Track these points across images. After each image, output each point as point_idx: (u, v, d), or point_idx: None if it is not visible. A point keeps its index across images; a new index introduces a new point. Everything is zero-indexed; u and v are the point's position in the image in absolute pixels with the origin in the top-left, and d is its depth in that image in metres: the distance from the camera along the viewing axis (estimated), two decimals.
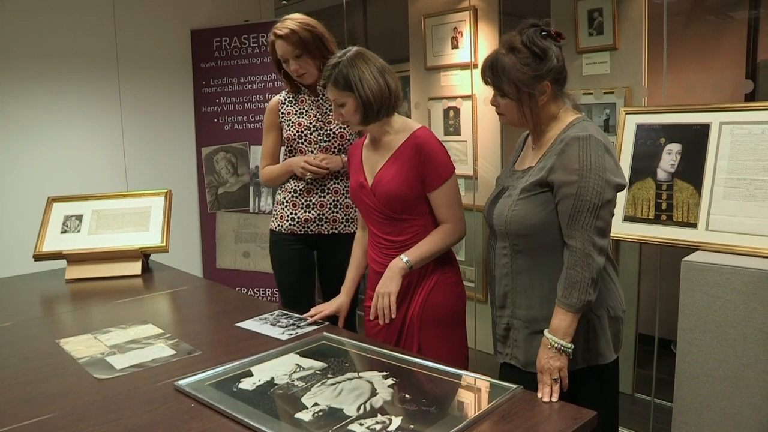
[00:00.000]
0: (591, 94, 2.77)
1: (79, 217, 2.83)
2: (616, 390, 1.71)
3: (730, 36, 3.12)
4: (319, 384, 1.45)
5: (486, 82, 1.65)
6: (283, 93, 2.40)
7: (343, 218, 2.35)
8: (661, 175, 2.24)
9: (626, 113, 2.37)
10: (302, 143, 2.32)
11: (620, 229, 2.30)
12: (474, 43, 3.34)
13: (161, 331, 1.91)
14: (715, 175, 2.10)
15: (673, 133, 2.23)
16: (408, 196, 1.82)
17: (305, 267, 2.41)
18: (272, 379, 1.49)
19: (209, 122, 3.99)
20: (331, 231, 2.34)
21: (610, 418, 1.66)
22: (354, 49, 1.86)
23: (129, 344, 1.80)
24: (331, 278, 2.39)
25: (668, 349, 3.00)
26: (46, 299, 2.43)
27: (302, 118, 2.33)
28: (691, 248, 2.11)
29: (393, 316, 1.82)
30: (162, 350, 1.74)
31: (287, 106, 2.37)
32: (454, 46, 3.44)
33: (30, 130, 3.40)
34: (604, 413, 1.51)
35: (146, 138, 3.78)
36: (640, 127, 2.32)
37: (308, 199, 2.32)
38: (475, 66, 3.32)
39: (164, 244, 2.74)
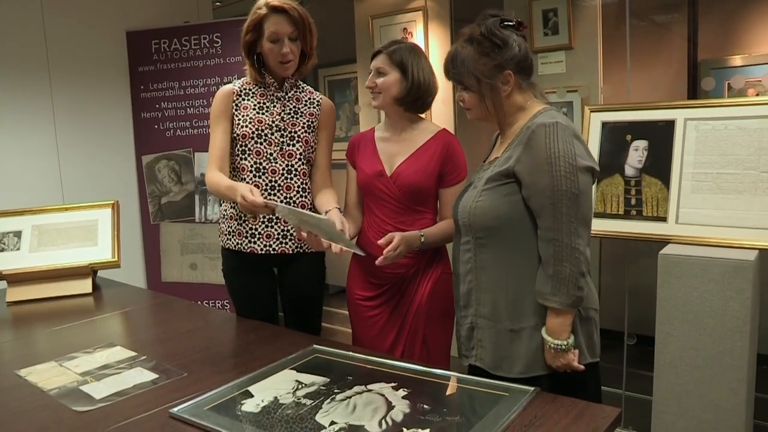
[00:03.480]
0: (554, 92, 2.81)
1: (18, 234, 2.60)
2: (595, 393, 1.60)
3: (671, 38, 3.27)
4: (329, 400, 1.37)
5: (448, 77, 1.63)
6: (238, 83, 2.09)
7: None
8: (629, 171, 2.30)
9: (591, 111, 2.42)
10: (260, 143, 2.02)
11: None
12: (425, 44, 3.32)
13: (134, 353, 1.76)
14: (683, 169, 2.17)
15: (639, 129, 2.29)
16: (429, 189, 1.95)
17: (269, 295, 2.14)
18: (276, 398, 1.40)
19: (149, 129, 3.77)
20: (296, 249, 2.05)
21: None
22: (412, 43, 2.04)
23: (102, 370, 1.64)
24: (296, 305, 2.16)
25: (621, 341, 3.10)
26: None
27: (263, 114, 2.03)
28: (662, 242, 2.17)
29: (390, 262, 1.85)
30: (141, 374, 1.60)
31: (243, 98, 2.06)
32: None
33: None
34: None
35: (82, 147, 3.52)
36: (605, 125, 2.37)
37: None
38: None
39: (116, 258, 2.56)
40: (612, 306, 2.95)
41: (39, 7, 3.34)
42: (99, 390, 1.51)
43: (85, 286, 2.47)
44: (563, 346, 1.44)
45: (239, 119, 2.04)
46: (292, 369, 1.57)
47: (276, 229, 2.02)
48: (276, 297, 2.17)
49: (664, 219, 2.19)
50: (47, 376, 1.62)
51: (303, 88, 2.13)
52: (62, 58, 3.43)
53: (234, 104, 2.05)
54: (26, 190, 3.26)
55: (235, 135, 2.04)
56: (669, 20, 3.36)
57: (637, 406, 2.72)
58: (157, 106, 3.74)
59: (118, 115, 3.69)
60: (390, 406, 1.32)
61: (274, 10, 1.92)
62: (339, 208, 1.97)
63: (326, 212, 1.95)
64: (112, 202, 2.73)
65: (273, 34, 1.93)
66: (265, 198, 1.95)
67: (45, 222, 2.65)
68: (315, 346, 1.72)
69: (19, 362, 1.73)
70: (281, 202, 2.02)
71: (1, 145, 3.23)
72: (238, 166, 2.05)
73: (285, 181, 2.03)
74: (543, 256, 1.46)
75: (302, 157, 2.05)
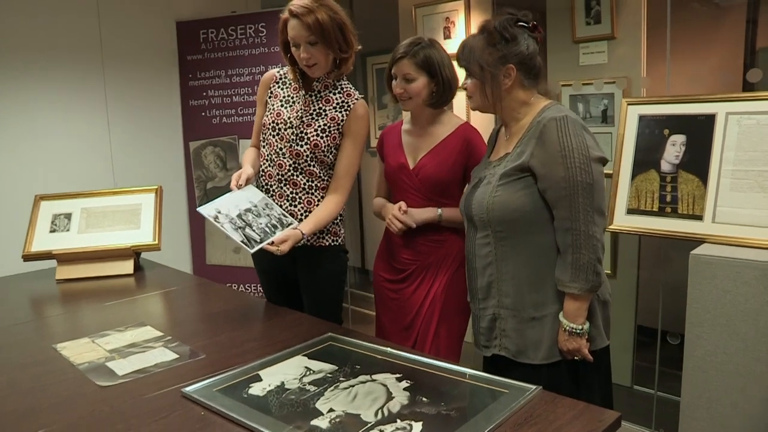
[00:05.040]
0: (591, 84, 2.74)
1: (68, 216, 2.74)
2: (608, 377, 1.73)
3: (728, 24, 3.11)
4: (333, 388, 1.40)
5: (459, 64, 1.69)
6: (283, 70, 2.13)
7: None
8: (665, 166, 2.22)
9: (628, 104, 2.34)
10: (273, 136, 2.05)
11: (623, 221, 2.28)
12: (466, 33, 3.29)
13: (161, 333, 1.84)
14: (722, 166, 2.08)
15: (677, 123, 2.20)
16: (450, 181, 1.99)
17: (291, 281, 2.18)
18: (282, 383, 1.44)
19: (197, 116, 3.90)
20: (303, 242, 1.98)
21: (605, 404, 1.66)
22: (427, 38, 2.03)
23: (129, 348, 1.73)
24: (314, 297, 2.15)
25: (664, 340, 3.01)
26: (37, 301, 2.35)
27: (284, 107, 2.05)
28: (697, 241, 2.09)
29: (397, 228, 2.00)
30: (164, 354, 1.68)
31: (279, 86, 2.10)
32: (447, 37, 3.38)
33: (13, 128, 3.28)
34: (599, 401, 1.53)
35: (133, 133, 3.68)
36: (642, 118, 2.30)
37: (278, 203, 2.05)
38: None
39: (156, 242, 2.67)
40: (651, 302, 2.86)
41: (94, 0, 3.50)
42: (123, 367, 1.59)
43: (127, 267, 2.59)
44: (578, 330, 1.53)
45: (269, 106, 2.10)
46: (304, 355, 1.61)
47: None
48: (297, 290, 2.21)
49: (700, 217, 2.11)
50: (80, 351, 1.72)
51: (342, 89, 2.06)
52: (115, 49, 3.58)
53: (270, 91, 2.12)
54: (80, 174, 3.44)
55: (263, 120, 2.11)
56: (726, 3, 3.20)
57: (669, 407, 2.65)
58: (204, 94, 3.86)
59: (168, 102, 3.83)
60: (390, 397, 1.35)
61: (292, 14, 1.90)
62: (301, 232, 1.91)
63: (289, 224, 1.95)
64: (156, 187, 2.84)
65: (292, 39, 1.93)
66: (265, 190, 2.09)
67: (93, 205, 2.78)
68: (330, 334, 1.75)
69: (59, 336, 1.84)
70: (288, 196, 2.07)
71: (56, 130, 3.42)
72: (261, 152, 2.13)
73: (291, 177, 2.06)
74: (561, 245, 1.53)
75: (309, 158, 2.03)
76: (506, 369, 1.60)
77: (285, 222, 1.96)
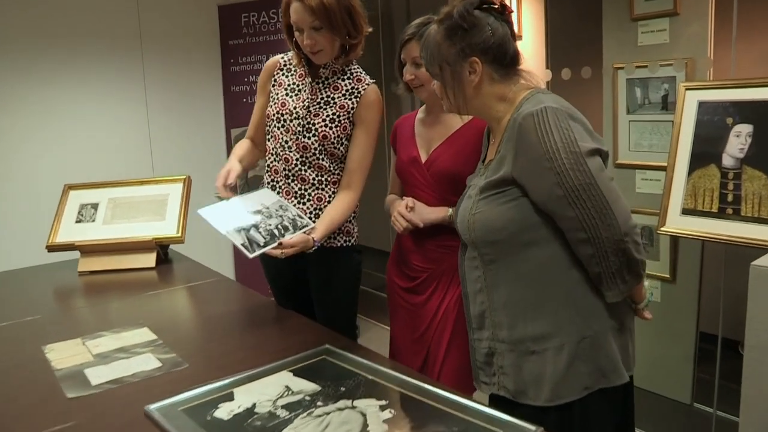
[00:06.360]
0: (645, 67, 2.42)
1: (95, 206, 2.71)
2: (630, 420, 1.46)
3: None
4: (305, 415, 1.25)
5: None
6: (288, 56, 1.97)
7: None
8: (728, 161, 1.91)
9: (686, 89, 2.04)
10: (279, 127, 1.91)
11: (678, 223, 2.00)
12: (518, 20, 3.02)
13: (154, 337, 1.75)
14: None
15: (743, 111, 1.89)
16: (464, 176, 1.71)
17: (300, 283, 2.05)
18: (254, 405, 1.30)
19: (238, 102, 3.82)
20: (327, 244, 1.92)
21: None
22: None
23: (116, 353, 1.65)
24: (325, 303, 2.02)
25: (733, 350, 2.68)
26: (52, 295, 2.33)
27: (290, 97, 1.90)
28: (762, 248, 1.79)
29: (402, 226, 1.80)
30: (147, 362, 1.58)
31: (284, 74, 1.94)
32: None
33: (50, 115, 3.32)
34: None
35: (173, 120, 3.65)
36: (702, 105, 2.00)
37: (287, 200, 1.92)
38: (519, 38, 3.01)
39: (179, 234, 2.59)
40: (717, 308, 2.54)
41: None
42: (100, 375, 1.50)
43: (149, 260, 2.52)
44: (642, 306, 1.40)
45: (273, 96, 1.95)
46: (290, 371, 1.47)
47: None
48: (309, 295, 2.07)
49: (766, 221, 1.80)
50: (66, 354, 1.65)
51: (352, 74, 1.91)
52: (154, 33, 3.55)
53: (273, 78, 1.97)
54: (118, 162, 3.44)
55: (267, 111, 1.96)
56: None
57: (730, 429, 2.34)
58: (246, 79, 3.78)
59: (209, 87, 3.77)
60: (364, 430, 1.18)
61: None
62: (313, 239, 1.75)
63: (304, 227, 1.76)
64: (184, 177, 2.77)
65: (294, 23, 1.77)
66: (272, 187, 1.96)
67: (121, 195, 2.74)
68: (327, 346, 1.60)
69: (53, 336, 1.78)
70: (296, 193, 1.92)
71: (94, 116, 3.43)
72: (266, 146, 1.97)
73: (299, 172, 1.91)
74: (582, 258, 1.28)
75: (317, 151, 1.88)
76: (512, 408, 1.36)
77: (300, 224, 1.79)
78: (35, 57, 3.25)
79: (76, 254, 2.57)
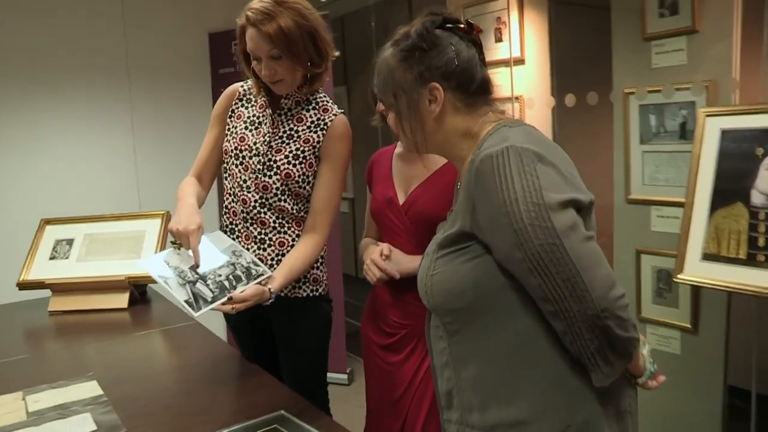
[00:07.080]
0: (659, 91, 2.19)
1: (70, 242, 2.55)
2: None
3: None
4: None
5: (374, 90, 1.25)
6: (248, 84, 1.78)
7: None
8: (758, 198, 1.68)
9: (707, 115, 1.82)
10: (237, 165, 1.71)
11: (698, 270, 1.76)
12: (520, 35, 2.83)
13: (100, 392, 1.56)
14: None
15: None
16: None
17: (266, 337, 1.85)
18: None
19: None
20: (289, 294, 1.74)
21: None
22: None
23: (52, 411, 1.46)
24: (289, 358, 1.82)
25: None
26: (17, 336, 2.16)
27: (249, 131, 1.71)
28: None
29: (376, 277, 1.59)
30: (83, 424, 1.38)
31: (243, 104, 1.75)
32: (498, 40, 2.93)
33: (30, 145, 3.19)
34: None
35: (161, 151, 3.50)
36: (726, 134, 1.77)
37: (245, 246, 1.73)
38: (522, 62, 2.82)
39: None
40: (745, 361, 2.27)
41: (120, 8, 3.35)
42: None
43: (121, 300, 2.35)
44: (641, 381, 1.16)
45: (229, 129, 1.76)
46: None
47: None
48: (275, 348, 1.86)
49: None
50: (1, 411, 1.46)
51: (318, 103, 1.73)
52: (142, 61, 3.44)
53: (232, 109, 1.78)
54: (103, 193, 3.30)
55: (224, 147, 1.76)
56: None
57: None
58: None
59: (199, 119, 3.62)
60: None
61: (248, 22, 1.55)
62: (269, 291, 1.54)
63: (259, 278, 1.55)
64: (163, 212, 2.60)
65: (251, 51, 1.58)
66: (230, 230, 1.76)
67: (97, 231, 2.59)
68: (282, 412, 1.38)
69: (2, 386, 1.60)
70: (256, 238, 1.72)
71: (79, 148, 3.30)
72: (224, 185, 1.77)
73: (258, 214, 1.71)
74: (558, 331, 1.03)
75: (279, 192, 1.69)
76: None
77: (254, 272, 1.58)
78: (12, 85, 3.15)
79: (49, 292, 2.41)
